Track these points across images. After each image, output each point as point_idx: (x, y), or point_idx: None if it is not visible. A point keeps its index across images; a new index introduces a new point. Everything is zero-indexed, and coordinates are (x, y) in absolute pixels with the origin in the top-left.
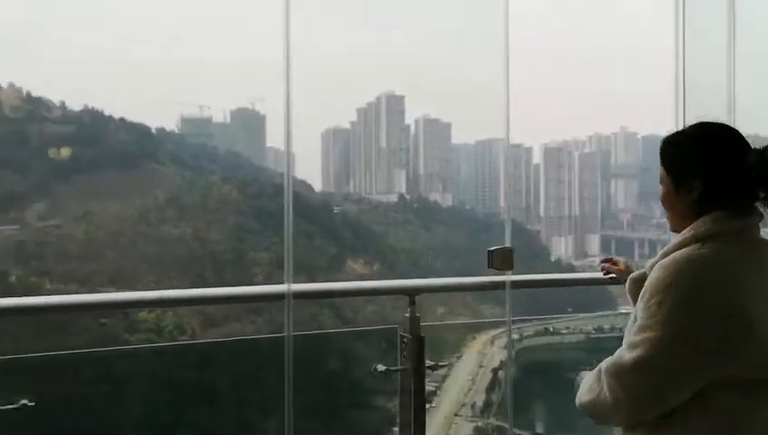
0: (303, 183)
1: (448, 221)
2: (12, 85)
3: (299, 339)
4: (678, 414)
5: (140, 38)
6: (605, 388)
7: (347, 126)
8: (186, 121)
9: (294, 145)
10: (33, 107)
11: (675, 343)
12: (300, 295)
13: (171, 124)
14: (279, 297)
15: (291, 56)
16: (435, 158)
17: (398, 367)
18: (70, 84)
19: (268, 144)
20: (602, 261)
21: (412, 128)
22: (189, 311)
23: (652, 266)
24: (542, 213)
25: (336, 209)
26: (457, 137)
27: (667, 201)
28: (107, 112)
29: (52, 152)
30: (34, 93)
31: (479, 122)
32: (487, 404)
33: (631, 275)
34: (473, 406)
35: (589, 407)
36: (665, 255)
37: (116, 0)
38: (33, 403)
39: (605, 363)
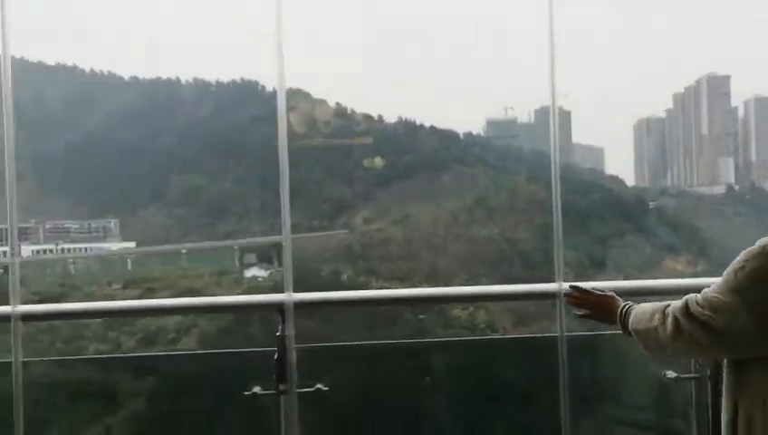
0: (615, 178)
1: None
2: (339, 104)
3: (590, 339)
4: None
5: (444, 47)
6: (668, 323)
7: (662, 114)
8: (491, 124)
9: (603, 139)
10: (344, 122)
11: (734, 312)
12: None
13: (477, 128)
14: (551, 296)
15: (555, 48)
16: None
17: (691, 375)
18: (383, 98)
19: (574, 140)
20: None
21: (740, 110)
22: (500, 308)
23: None
24: None
25: (652, 204)
26: None
27: None
28: (418, 122)
29: (366, 162)
30: (358, 109)
31: None
32: None
33: None
34: None
35: (642, 333)
36: None
37: (421, 16)
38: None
39: (678, 304)
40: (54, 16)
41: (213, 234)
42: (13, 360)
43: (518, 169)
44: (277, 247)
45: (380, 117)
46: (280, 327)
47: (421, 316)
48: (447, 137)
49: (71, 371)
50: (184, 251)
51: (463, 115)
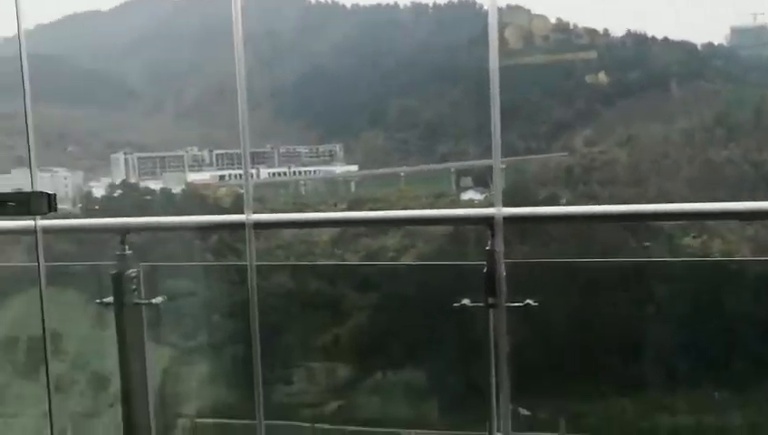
0: None
1: None
2: (559, 19)
3: None
4: None
5: None
6: None
7: None
8: (736, 32)
9: None
10: (564, 36)
11: None
12: None
13: (719, 37)
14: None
15: None
16: None
17: None
18: (609, 9)
19: None
20: None
21: None
22: (739, 238)
23: None
24: None
25: None
26: None
27: None
28: (650, 33)
29: (589, 78)
30: (581, 24)
31: None
32: None
33: None
34: None
35: None
36: None
37: None
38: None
39: None
40: None
41: (430, 157)
42: (248, 264)
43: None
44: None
45: (606, 30)
46: (489, 242)
47: (646, 244)
48: (683, 49)
49: (303, 283)
50: (402, 174)
51: (702, 24)
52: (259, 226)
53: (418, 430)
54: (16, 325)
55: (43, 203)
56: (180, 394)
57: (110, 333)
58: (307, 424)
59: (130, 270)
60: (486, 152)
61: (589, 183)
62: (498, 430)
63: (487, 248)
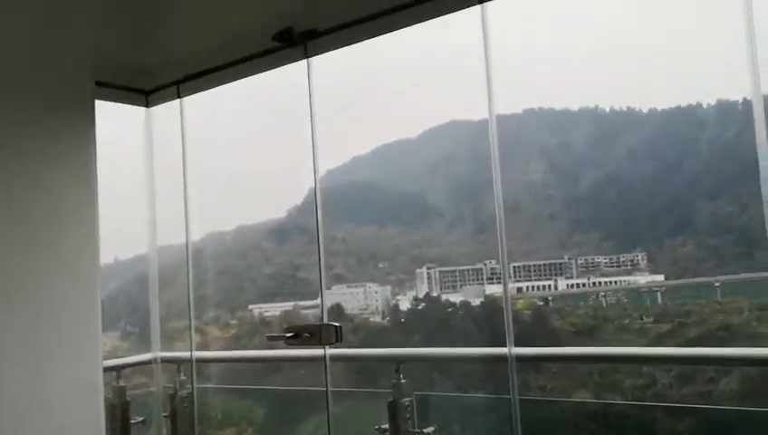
0: None
1: None
2: None
3: None
4: None
5: None
6: None
7: None
8: None
9: None
10: None
11: None
12: None
13: None
14: None
15: None
16: None
17: None
18: None
19: None
20: None
21: None
22: None
23: None
24: None
25: None
26: None
27: None
28: None
29: None
30: None
31: None
32: None
33: None
34: None
35: None
36: None
37: None
38: None
39: None
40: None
41: (750, 265)
42: (511, 398)
43: None
44: None
45: None
46: None
47: None
48: None
49: (607, 406)
50: (717, 284)
51: None
52: (522, 359)
53: None
54: None
55: (331, 334)
56: None
57: None
58: None
59: (404, 398)
60: None
61: None
62: None
63: None
